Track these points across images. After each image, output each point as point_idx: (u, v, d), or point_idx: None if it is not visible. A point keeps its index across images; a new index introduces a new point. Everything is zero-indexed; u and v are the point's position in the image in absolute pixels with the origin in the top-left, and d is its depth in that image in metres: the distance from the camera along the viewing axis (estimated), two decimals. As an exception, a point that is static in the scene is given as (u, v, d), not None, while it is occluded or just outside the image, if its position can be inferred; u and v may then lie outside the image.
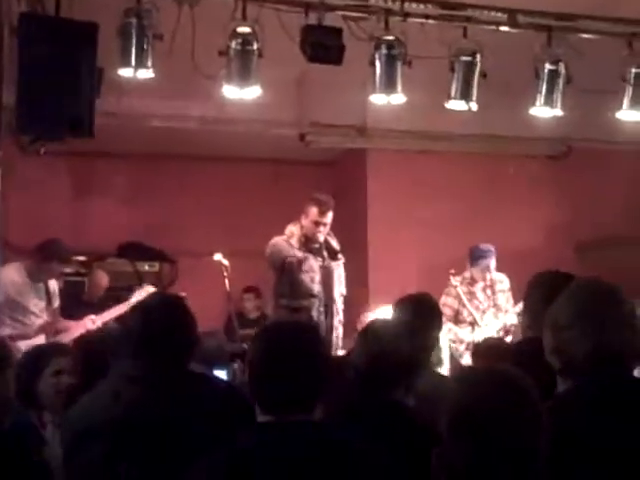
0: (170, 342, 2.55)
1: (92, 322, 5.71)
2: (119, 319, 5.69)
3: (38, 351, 3.52)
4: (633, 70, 5.78)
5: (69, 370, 3.32)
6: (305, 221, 5.29)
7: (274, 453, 1.95)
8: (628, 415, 1.90)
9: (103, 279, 6.81)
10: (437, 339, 3.50)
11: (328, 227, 5.32)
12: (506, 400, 1.66)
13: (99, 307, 6.02)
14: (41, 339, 5.42)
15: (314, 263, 5.28)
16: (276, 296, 5.34)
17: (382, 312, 5.55)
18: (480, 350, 4.36)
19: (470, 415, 1.64)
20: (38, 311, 5.59)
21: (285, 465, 1.93)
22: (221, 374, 4.51)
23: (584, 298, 2.04)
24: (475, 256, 6.16)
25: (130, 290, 6.71)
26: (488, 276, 6.18)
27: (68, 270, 7.02)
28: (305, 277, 5.24)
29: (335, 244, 5.40)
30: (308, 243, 5.33)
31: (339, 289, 5.41)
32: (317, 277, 5.24)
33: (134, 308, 2.80)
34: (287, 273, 5.24)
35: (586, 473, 1.83)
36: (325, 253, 5.37)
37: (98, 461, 2.42)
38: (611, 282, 2.09)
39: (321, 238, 5.31)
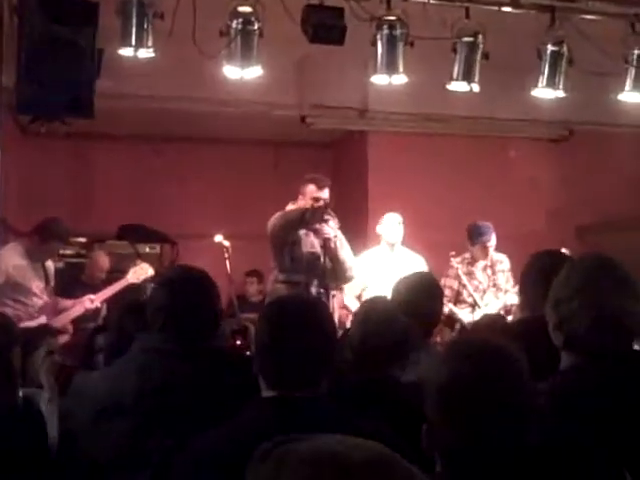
0: (197, 316, 2.56)
1: (91, 302, 5.72)
2: (117, 297, 5.71)
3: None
4: (636, 52, 5.74)
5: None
6: (303, 200, 5.24)
7: (277, 428, 1.95)
8: (625, 394, 1.90)
9: (103, 260, 6.73)
10: (439, 317, 3.46)
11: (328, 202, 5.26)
12: (492, 371, 1.61)
13: (99, 289, 6.01)
14: (42, 319, 5.44)
15: (315, 240, 5.26)
16: (274, 270, 5.30)
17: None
18: (479, 327, 4.35)
19: (456, 390, 1.61)
20: (39, 292, 5.60)
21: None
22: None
23: (583, 271, 2.04)
24: (475, 234, 6.15)
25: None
26: (490, 252, 6.17)
27: (68, 251, 7.05)
28: (306, 251, 5.22)
29: (333, 223, 5.36)
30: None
31: None
32: (317, 253, 5.22)
33: (160, 282, 2.77)
34: (290, 246, 5.19)
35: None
36: None
37: (127, 435, 2.41)
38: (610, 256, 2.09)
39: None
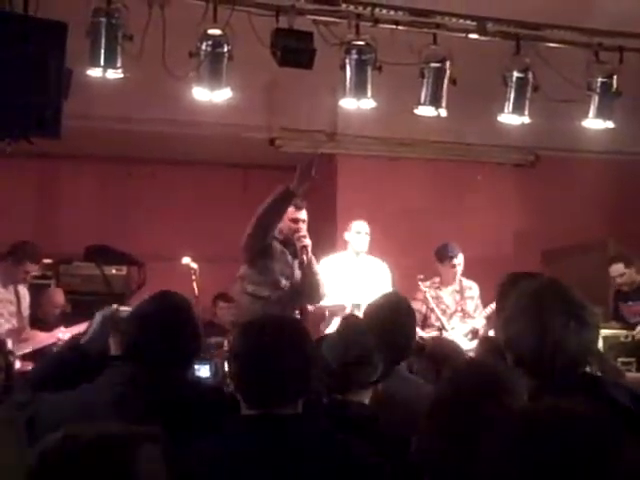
0: (176, 347, 2.51)
1: (63, 334, 5.63)
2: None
3: None
4: (599, 79, 5.87)
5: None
6: (282, 224, 5.19)
7: (259, 445, 1.96)
8: (562, 424, 1.89)
9: (59, 297, 6.46)
10: (412, 339, 3.41)
11: (306, 224, 5.23)
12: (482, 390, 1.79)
13: (52, 326, 5.83)
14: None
15: (290, 259, 5.20)
16: (242, 281, 5.20)
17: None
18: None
19: (444, 405, 1.77)
20: (7, 314, 5.55)
21: (269, 456, 1.95)
22: (204, 369, 4.54)
23: (530, 292, 2.08)
24: (443, 253, 6.20)
25: (96, 294, 6.65)
26: (458, 271, 6.19)
27: (34, 273, 6.95)
28: (276, 267, 5.14)
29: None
30: (289, 243, 5.24)
31: None
32: (289, 272, 5.17)
33: (134, 312, 2.65)
34: (262, 258, 5.11)
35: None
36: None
37: None
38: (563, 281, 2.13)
39: (306, 241, 5.18)
